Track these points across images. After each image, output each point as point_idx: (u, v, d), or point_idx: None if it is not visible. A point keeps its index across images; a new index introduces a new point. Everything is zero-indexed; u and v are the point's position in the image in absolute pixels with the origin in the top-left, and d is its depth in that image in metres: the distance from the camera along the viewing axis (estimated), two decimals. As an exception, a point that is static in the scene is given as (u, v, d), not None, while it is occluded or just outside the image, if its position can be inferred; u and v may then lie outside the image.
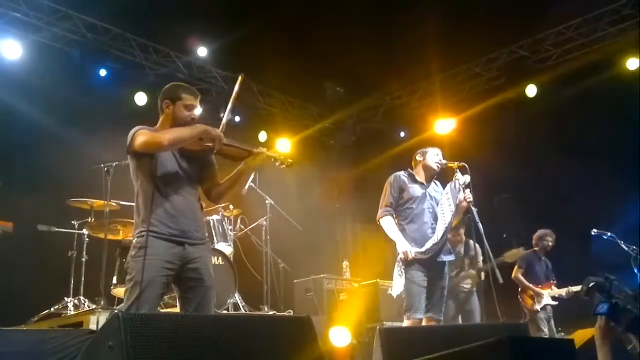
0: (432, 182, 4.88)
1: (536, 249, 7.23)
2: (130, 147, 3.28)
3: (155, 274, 3.15)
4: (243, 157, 3.48)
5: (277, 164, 3.54)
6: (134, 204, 3.37)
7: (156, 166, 3.28)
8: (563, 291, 7.02)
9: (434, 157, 4.83)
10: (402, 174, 4.84)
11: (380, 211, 4.75)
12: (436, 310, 4.54)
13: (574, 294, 6.84)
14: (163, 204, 3.26)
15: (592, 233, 6.94)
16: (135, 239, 3.25)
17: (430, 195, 4.77)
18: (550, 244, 7.19)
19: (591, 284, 2.66)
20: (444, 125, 9.48)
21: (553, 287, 7.05)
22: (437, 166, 4.81)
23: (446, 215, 4.59)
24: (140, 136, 3.23)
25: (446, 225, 4.57)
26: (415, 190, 4.75)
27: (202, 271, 3.30)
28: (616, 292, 2.56)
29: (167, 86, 3.54)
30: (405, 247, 4.50)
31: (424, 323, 4.47)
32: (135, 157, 3.34)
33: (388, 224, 4.66)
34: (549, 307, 6.96)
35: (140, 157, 3.30)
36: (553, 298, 7.00)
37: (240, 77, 3.79)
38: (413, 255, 4.47)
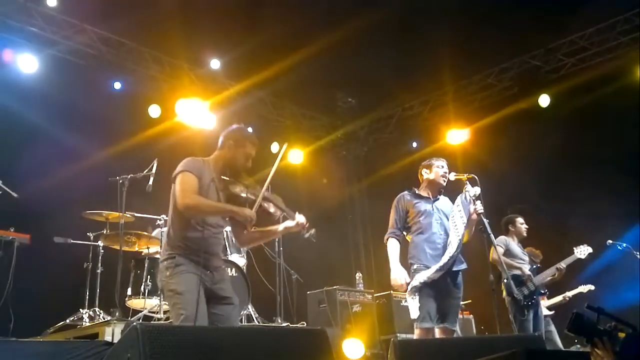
0: (440, 196, 4.85)
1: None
2: (173, 180, 3.42)
3: (194, 281, 3.26)
4: (277, 215, 3.59)
5: (305, 234, 3.66)
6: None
7: None
8: (559, 298, 6.93)
9: (439, 171, 4.79)
10: (405, 194, 4.82)
11: (387, 233, 4.76)
12: (451, 321, 4.49)
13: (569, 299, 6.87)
14: (193, 237, 3.37)
15: (607, 243, 6.87)
16: (166, 262, 3.35)
17: (438, 209, 4.74)
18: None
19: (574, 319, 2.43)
20: (457, 135, 9.46)
21: (545, 298, 6.72)
22: (444, 180, 4.79)
23: (459, 227, 4.56)
24: (180, 185, 3.36)
25: (459, 237, 4.55)
26: (422, 205, 4.73)
27: (228, 291, 3.46)
28: (605, 324, 2.39)
29: (235, 127, 3.69)
30: (396, 275, 4.50)
31: (437, 333, 4.44)
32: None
33: (390, 247, 4.67)
34: (547, 319, 6.53)
35: None
36: (549, 308, 6.82)
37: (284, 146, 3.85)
38: (401, 283, 4.48)
